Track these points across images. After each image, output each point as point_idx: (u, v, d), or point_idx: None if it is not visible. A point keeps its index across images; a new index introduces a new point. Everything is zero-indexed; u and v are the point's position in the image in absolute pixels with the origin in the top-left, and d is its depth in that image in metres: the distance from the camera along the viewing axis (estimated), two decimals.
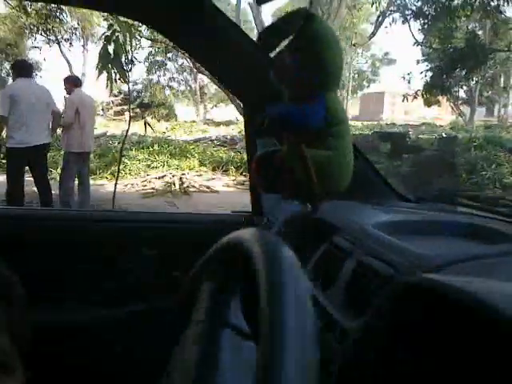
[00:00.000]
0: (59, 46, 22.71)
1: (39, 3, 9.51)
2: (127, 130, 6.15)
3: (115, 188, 5.88)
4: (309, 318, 0.50)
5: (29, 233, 1.83)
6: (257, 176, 1.01)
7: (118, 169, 6.52)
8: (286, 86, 0.98)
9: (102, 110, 22.39)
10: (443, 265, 0.86)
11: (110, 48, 4.25)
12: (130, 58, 4.67)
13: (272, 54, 0.97)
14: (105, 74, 4.48)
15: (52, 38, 20.37)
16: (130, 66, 4.73)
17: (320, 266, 1.17)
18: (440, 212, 1.51)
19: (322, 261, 1.18)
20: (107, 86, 4.58)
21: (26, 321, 0.77)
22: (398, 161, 10.08)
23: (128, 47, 4.49)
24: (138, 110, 23.79)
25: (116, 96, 21.44)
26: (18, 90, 5.66)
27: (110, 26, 4.27)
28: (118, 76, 4.56)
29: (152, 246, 1.83)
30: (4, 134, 5.80)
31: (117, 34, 4.19)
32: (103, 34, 4.50)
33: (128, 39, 4.32)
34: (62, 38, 21.47)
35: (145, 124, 6.30)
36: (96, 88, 17.00)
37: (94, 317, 1.79)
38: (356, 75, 35.17)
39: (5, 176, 5.96)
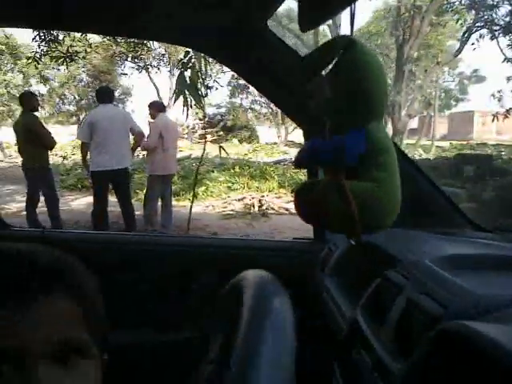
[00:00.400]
0: (148, 73, 23.90)
1: None
2: (202, 156, 6.34)
3: (190, 211, 6.02)
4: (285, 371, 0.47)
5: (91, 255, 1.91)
6: (297, 207, 0.98)
7: (194, 193, 6.71)
8: (326, 116, 0.95)
9: (187, 133, 23.14)
10: (495, 308, 0.79)
11: (187, 74, 4.38)
12: (205, 83, 4.79)
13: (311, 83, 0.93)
14: (182, 99, 4.62)
15: (141, 64, 21.53)
16: (205, 91, 4.85)
17: (372, 300, 1.12)
18: None
19: (374, 294, 1.13)
20: (183, 111, 4.72)
21: (102, 310, 0.81)
22: (482, 185, 9.49)
23: (204, 73, 4.60)
24: (221, 132, 24.39)
25: (201, 120, 22.10)
26: (97, 116, 5.95)
27: (186, 53, 4.41)
28: (193, 102, 4.69)
29: (212, 271, 1.84)
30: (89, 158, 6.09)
31: (193, 60, 4.32)
32: (180, 60, 4.65)
33: (203, 65, 4.44)
34: (151, 64, 22.66)
35: (219, 149, 6.45)
36: (182, 111, 17.70)
37: (147, 340, 1.82)
38: (443, 94, 34.07)
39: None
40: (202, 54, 4.13)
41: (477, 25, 16.84)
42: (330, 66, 0.92)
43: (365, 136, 0.88)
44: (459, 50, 19.34)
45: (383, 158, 0.91)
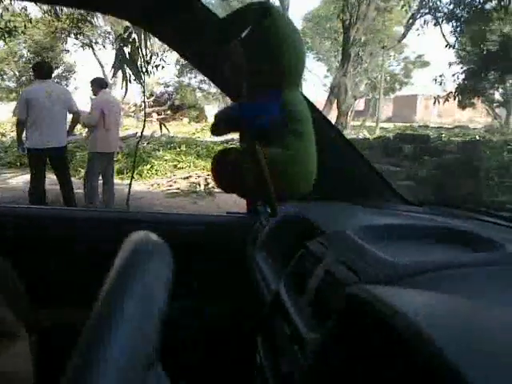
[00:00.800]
0: (92, 50, 23.22)
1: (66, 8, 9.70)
2: (142, 132, 6.25)
3: (129, 188, 5.94)
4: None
5: (38, 232, 1.84)
6: (214, 174, 0.95)
7: (133, 171, 6.65)
8: (242, 82, 0.92)
9: (134, 111, 22.64)
10: (408, 275, 0.79)
11: (127, 50, 4.27)
12: (146, 59, 4.69)
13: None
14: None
15: (85, 41, 20.86)
16: (146, 67, 4.76)
17: (294, 271, 1.12)
18: (439, 217, 1.43)
19: (296, 266, 1.13)
20: (122, 86, 4.61)
21: (19, 288, 0.78)
22: (419, 164, 9.80)
23: (145, 48, 4.51)
24: (169, 111, 24.02)
25: (148, 98, 21.68)
26: (33, 92, 5.72)
27: (126, 28, 4.30)
28: (132, 77, 4.59)
29: None
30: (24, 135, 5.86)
31: (133, 35, 4.22)
32: (119, 35, 4.52)
33: (143, 40, 4.34)
34: (96, 41, 21.99)
35: (160, 125, 6.37)
36: (129, 90, 17.32)
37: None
38: (388, 78, 34.71)
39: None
40: (143, 30, 4.04)
41: (421, 11, 17.20)
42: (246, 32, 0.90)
43: (279, 102, 0.87)
44: (404, 35, 19.73)
45: (297, 126, 0.89)
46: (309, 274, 1.00)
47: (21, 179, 9.46)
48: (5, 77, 27.87)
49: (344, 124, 17.80)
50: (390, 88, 36.19)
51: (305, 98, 1.14)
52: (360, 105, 34.45)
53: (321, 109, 15.61)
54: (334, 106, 18.07)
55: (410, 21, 18.46)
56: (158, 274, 0.48)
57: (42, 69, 5.92)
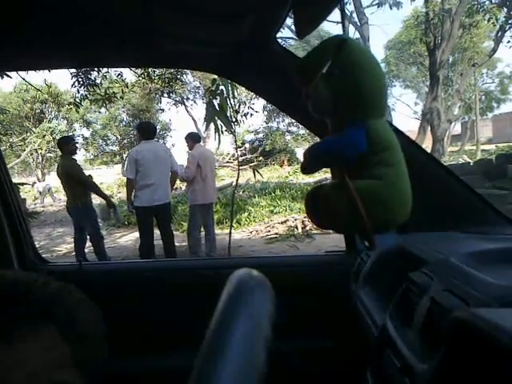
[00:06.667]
0: (185, 106, 24.52)
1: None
2: (237, 181, 6.41)
3: (230, 236, 6.07)
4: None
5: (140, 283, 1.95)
6: (309, 212, 0.96)
7: (231, 220, 6.79)
8: (325, 118, 0.94)
9: (227, 161, 23.37)
10: None
11: (216, 102, 4.46)
12: (235, 109, 4.87)
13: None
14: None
15: (177, 99, 22.13)
16: (235, 116, 4.93)
17: (399, 303, 1.09)
18: None
19: (401, 298, 1.10)
20: (215, 137, 4.80)
21: (102, 360, 0.77)
22: None
23: (232, 98, 4.68)
24: (261, 157, 24.52)
25: (240, 147, 22.30)
26: (141, 153, 6.06)
27: (213, 81, 4.50)
28: (224, 128, 4.77)
29: None
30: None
31: (220, 87, 4.41)
32: (207, 88, 4.75)
33: (231, 91, 4.51)
34: (187, 97, 23.24)
35: (253, 171, 6.51)
36: (222, 141, 17.98)
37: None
38: (483, 97, 33.31)
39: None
40: (229, 81, 4.23)
41: (510, 22, 16.46)
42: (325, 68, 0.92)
43: (365, 133, 0.87)
44: (494, 50, 18.89)
45: (387, 154, 0.88)
46: (415, 305, 0.97)
47: (130, 237, 9.99)
48: (108, 142, 30.07)
49: (441, 150, 17.17)
50: (486, 107, 34.66)
51: (392, 126, 1.13)
52: (456, 129, 33.23)
53: (414, 137, 15.21)
54: (428, 133, 17.55)
55: (499, 33, 17.66)
56: (261, 306, 0.50)
57: (148, 129, 6.32)
